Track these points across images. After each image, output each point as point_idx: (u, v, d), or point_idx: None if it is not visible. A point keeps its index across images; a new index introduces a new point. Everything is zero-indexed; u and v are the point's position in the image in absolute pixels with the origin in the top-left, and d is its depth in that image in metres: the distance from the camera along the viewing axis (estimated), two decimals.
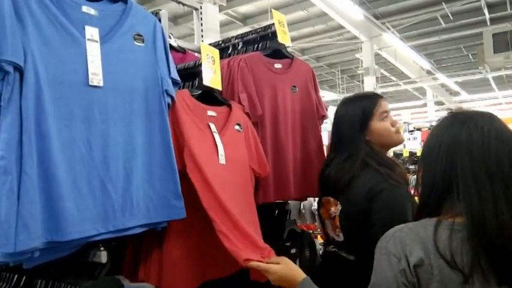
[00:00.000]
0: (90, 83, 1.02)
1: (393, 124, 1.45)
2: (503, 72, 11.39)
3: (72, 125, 0.98)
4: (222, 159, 1.32)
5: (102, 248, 1.09)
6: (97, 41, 1.05)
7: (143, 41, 1.17)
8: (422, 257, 0.83)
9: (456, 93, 15.69)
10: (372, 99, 1.47)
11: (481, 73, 11.20)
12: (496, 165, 0.84)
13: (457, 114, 0.95)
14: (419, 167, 0.98)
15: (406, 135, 8.28)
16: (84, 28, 1.03)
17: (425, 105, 15.07)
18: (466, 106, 18.11)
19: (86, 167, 1.01)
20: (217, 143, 1.32)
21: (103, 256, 1.09)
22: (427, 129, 8.57)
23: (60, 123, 0.96)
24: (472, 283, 0.80)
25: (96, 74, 1.03)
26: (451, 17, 8.47)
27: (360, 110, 1.44)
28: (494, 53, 7.19)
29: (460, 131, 0.89)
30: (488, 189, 0.83)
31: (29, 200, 0.88)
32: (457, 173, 0.86)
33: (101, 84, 1.05)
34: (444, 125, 0.94)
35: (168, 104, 1.20)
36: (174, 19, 8.01)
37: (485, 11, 8.22)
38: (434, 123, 1.30)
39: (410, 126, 9.09)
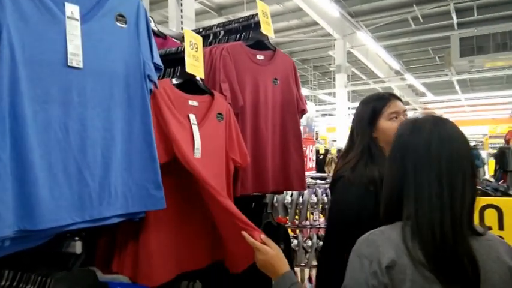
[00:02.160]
0: (68, 64, 0.96)
1: None
2: (467, 76, 11.87)
3: (48, 108, 0.92)
4: (198, 153, 1.29)
5: (76, 238, 1.04)
6: (77, 20, 0.99)
7: (125, 23, 1.12)
8: (394, 258, 0.85)
9: (422, 94, 16.23)
10: (385, 99, 1.49)
11: (447, 75, 11.63)
12: (439, 167, 0.89)
13: (413, 120, 0.99)
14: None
15: None
16: (64, 5, 0.97)
17: None
18: (431, 107, 18.80)
19: (62, 152, 0.95)
20: (195, 136, 1.29)
21: (77, 246, 1.04)
22: None
23: (36, 105, 0.90)
24: (441, 282, 0.83)
25: (75, 55, 0.98)
26: (421, 20, 8.73)
27: (370, 108, 1.48)
28: (460, 56, 7.48)
29: (411, 136, 0.94)
30: (436, 194, 0.88)
31: (1, 186, 0.83)
32: (408, 177, 0.91)
33: (80, 65, 0.99)
34: (399, 131, 0.99)
35: (150, 90, 1.16)
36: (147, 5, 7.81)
37: (454, 16, 8.52)
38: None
39: None
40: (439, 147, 0.90)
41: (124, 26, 1.11)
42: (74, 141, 0.98)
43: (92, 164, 1.02)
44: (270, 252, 1.15)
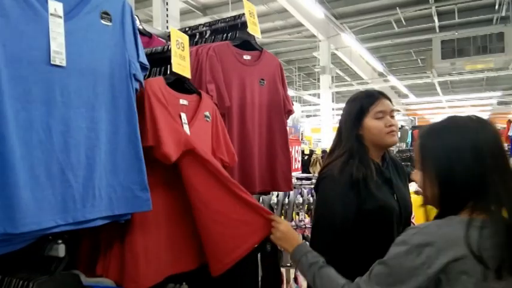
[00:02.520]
0: (51, 62, 0.94)
1: (387, 125, 1.46)
2: (448, 78, 12.11)
3: (30, 107, 0.90)
4: None
5: (59, 241, 1.02)
6: (61, 17, 0.96)
7: (111, 20, 1.09)
8: (456, 254, 0.86)
9: (404, 96, 16.48)
10: (373, 97, 1.49)
11: (429, 77, 11.84)
12: (507, 163, 0.94)
13: (453, 120, 1.01)
14: (426, 169, 1.00)
15: None
16: (47, 2, 0.94)
17: None
18: (413, 108, 19.10)
19: (44, 153, 0.93)
20: None
21: (60, 249, 1.02)
22: None
23: (18, 104, 0.87)
24: (499, 278, 0.85)
25: (58, 53, 0.95)
26: (404, 22, 8.86)
27: (358, 105, 1.48)
28: (442, 59, 7.62)
29: (480, 134, 0.95)
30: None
31: None
32: (485, 173, 0.92)
33: (64, 64, 0.97)
34: (456, 128, 0.98)
35: (136, 90, 1.14)
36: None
37: (435, 19, 8.68)
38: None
39: None
40: (501, 144, 0.96)
41: (109, 24, 1.09)
42: (57, 142, 0.96)
43: (75, 165, 0.99)
44: (286, 224, 1.29)
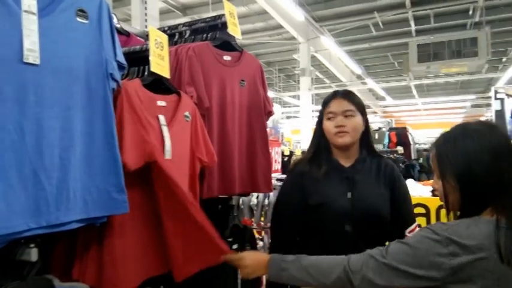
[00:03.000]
0: (24, 60, 0.90)
1: (336, 125, 1.49)
2: (424, 81, 12.40)
3: (2, 106, 0.86)
4: (168, 155, 1.27)
5: (32, 245, 0.98)
6: (34, 14, 0.93)
7: (87, 18, 1.07)
8: (483, 253, 0.90)
9: (382, 98, 16.78)
10: (328, 99, 1.56)
11: (405, 80, 12.09)
12: None
13: (467, 126, 1.05)
14: (446, 176, 1.03)
15: None
16: None
17: None
18: (390, 110, 19.45)
19: (16, 154, 0.89)
20: (165, 138, 1.26)
21: (33, 254, 0.98)
22: None
23: None
24: None
25: (32, 51, 0.92)
26: (382, 26, 9.02)
27: (321, 107, 1.58)
28: (418, 62, 7.79)
29: (493, 137, 1.00)
30: None
31: None
32: (503, 173, 0.97)
33: (38, 62, 0.93)
34: (470, 134, 1.02)
35: (113, 89, 1.11)
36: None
37: (412, 23, 8.88)
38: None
39: None
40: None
41: (85, 21, 1.06)
42: (30, 142, 0.92)
43: (48, 167, 0.96)
44: (247, 255, 1.23)
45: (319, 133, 1.57)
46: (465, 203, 1.01)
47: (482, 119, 7.69)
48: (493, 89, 6.28)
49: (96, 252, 1.12)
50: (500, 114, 5.99)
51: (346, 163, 1.54)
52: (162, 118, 1.26)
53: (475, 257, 0.90)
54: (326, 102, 1.56)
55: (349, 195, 1.47)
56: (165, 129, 1.26)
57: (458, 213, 1.04)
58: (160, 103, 1.29)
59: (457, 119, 19.98)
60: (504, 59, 12.00)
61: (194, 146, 1.41)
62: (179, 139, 1.33)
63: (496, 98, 6.05)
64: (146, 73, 1.32)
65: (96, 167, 1.07)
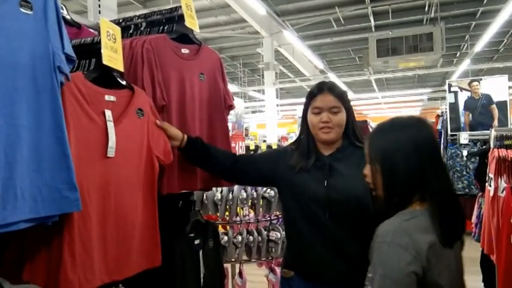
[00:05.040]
0: None
1: (321, 121, 1.52)
2: (383, 76, 12.77)
3: None
4: (111, 152, 1.22)
5: None
6: None
7: (31, 9, 1.01)
8: (430, 241, 1.01)
9: None
10: (313, 94, 1.57)
11: (366, 75, 12.40)
12: (440, 155, 1.12)
13: (396, 120, 1.17)
14: (373, 163, 1.15)
15: None
16: None
17: None
18: (351, 104, 19.87)
19: None
20: (109, 134, 1.21)
21: None
22: None
23: None
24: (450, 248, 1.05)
25: None
26: (342, 21, 9.19)
27: (306, 99, 1.60)
28: (377, 57, 8.01)
29: (419, 131, 1.11)
30: (446, 176, 1.10)
31: None
32: (423, 165, 1.07)
33: None
34: (398, 126, 1.15)
35: (61, 83, 1.07)
36: None
37: (371, 18, 9.10)
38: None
39: None
40: (435, 139, 1.12)
41: (30, 12, 1.01)
42: None
43: None
44: None
45: (303, 125, 1.62)
46: (389, 190, 1.11)
47: (438, 111, 8.02)
48: (447, 82, 6.57)
49: (46, 253, 1.08)
50: (454, 106, 6.28)
51: (326, 152, 1.57)
52: (108, 113, 1.21)
53: (429, 245, 1.00)
54: (312, 95, 1.56)
55: (325, 183, 1.49)
56: (110, 125, 1.21)
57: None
58: (109, 98, 1.23)
59: (415, 112, 20.75)
60: (458, 54, 12.57)
61: (152, 143, 1.37)
62: (128, 136, 1.28)
63: (450, 91, 6.33)
64: (97, 66, 1.26)
65: (45, 164, 1.02)
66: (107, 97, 1.23)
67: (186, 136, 1.54)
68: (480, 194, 3.43)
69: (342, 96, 1.55)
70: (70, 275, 1.08)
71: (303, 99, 1.62)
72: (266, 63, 10.23)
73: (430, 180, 1.06)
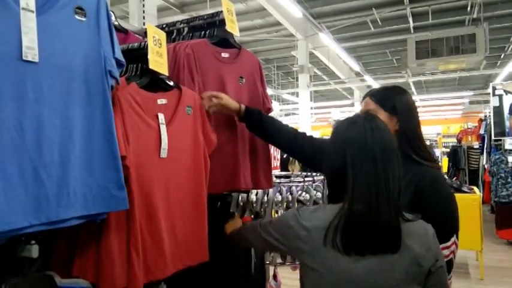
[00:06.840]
0: (23, 58, 0.90)
1: None
2: (422, 78, 12.40)
3: (1, 104, 0.87)
4: (164, 153, 1.28)
5: (33, 242, 0.99)
6: (33, 11, 0.93)
7: (85, 16, 1.07)
8: (317, 224, 1.06)
9: None
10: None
11: (403, 77, 12.08)
12: (373, 154, 1.06)
13: (348, 118, 1.18)
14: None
15: None
16: None
17: (352, 104, 15.94)
18: None
19: (16, 151, 0.90)
20: (162, 136, 1.28)
21: (34, 250, 0.99)
22: None
23: None
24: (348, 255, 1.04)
25: (30, 48, 0.92)
26: (380, 23, 9.02)
27: None
28: (416, 59, 7.80)
29: (348, 130, 1.12)
30: (372, 176, 1.04)
31: None
32: (348, 164, 1.06)
33: (36, 59, 0.93)
34: (336, 127, 1.17)
35: (112, 86, 1.12)
36: None
37: (410, 19, 8.87)
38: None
39: None
40: (372, 137, 1.07)
41: (83, 19, 1.07)
42: (29, 140, 0.93)
43: (48, 164, 0.96)
44: None
45: None
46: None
47: (481, 115, 7.68)
48: (491, 85, 6.29)
49: (95, 249, 1.13)
50: (498, 110, 6.01)
51: None
52: (161, 116, 1.27)
53: (305, 234, 1.06)
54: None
55: None
56: (163, 128, 1.27)
57: None
58: (161, 101, 1.30)
59: (456, 116, 20.01)
60: (502, 56, 12.02)
61: (199, 136, 1.43)
62: (178, 136, 1.34)
63: (494, 95, 6.06)
64: (138, 71, 1.33)
65: (95, 164, 1.07)
66: (159, 101, 1.29)
67: (243, 106, 1.60)
68: None
69: (379, 98, 1.47)
70: (112, 271, 1.12)
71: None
72: (300, 65, 10.19)
73: (348, 182, 1.05)
